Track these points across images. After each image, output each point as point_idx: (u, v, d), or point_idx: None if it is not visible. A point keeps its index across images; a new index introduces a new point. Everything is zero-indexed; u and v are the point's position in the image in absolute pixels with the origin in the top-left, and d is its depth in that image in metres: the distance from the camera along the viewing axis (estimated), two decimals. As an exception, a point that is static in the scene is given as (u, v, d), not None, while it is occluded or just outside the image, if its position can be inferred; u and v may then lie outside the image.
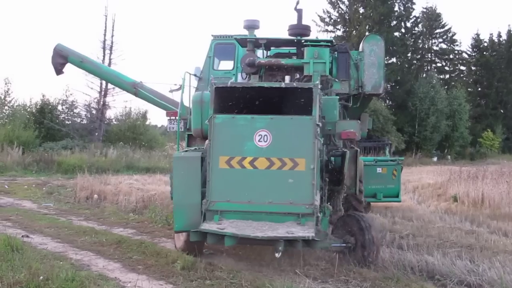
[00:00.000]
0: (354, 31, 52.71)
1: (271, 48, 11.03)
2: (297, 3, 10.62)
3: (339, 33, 54.72)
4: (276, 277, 7.70)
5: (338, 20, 54.74)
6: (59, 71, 10.83)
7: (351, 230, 8.44)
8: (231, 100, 7.86)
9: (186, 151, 9.20)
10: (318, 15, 55.04)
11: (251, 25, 10.69)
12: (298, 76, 10.19)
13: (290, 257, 8.83)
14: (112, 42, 35.06)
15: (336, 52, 10.64)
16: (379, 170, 14.46)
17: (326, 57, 9.87)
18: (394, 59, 57.04)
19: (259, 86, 7.81)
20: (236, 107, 7.92)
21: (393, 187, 14.47)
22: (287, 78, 9.92)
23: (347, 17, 53.89)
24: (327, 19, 54.87)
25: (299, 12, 10.56)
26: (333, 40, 10.78)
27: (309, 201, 7.12)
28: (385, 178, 14.42)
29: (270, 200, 7.23)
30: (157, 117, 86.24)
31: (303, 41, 10.26)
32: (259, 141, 7.30)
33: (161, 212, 12.69)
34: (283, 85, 7.78)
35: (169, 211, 12.49)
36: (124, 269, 8.00)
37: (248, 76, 10.56)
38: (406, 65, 58.79)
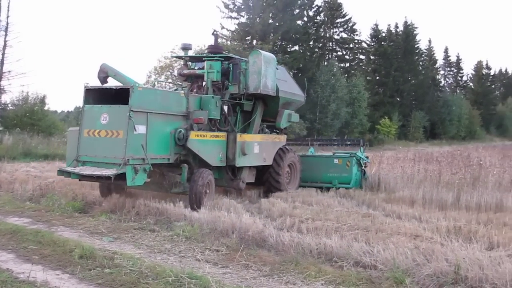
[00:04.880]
0: (258, 18, 52.96)
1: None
2: (214, 30, 15.21)
3: (242, 20, 54.74)
4: (176, 263, 7.70)
5: (242, 7, 54.58)
6: (103, 82, 13.17)
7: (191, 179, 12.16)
8: (97, 95, 11.74)
9: None
10: (223, 1, 54.63)
11: (185, 47, 15.61)
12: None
13: (192, 242, 8.87)
14: (7, 23, 33.46)
15: (231, 64, 14.40)
16: (336, 161, 16.94)
17: (217, 68, 14.12)
18: (296, 47, 58.00)
19: (105, 87, 12.00)
20: (104, 100, 11.59)
21: (346, 176, 16.62)
22: (204, 83, 14.25)
23: (251, 4, 53.82)
24: (231, 6, 54.71)
25: (215, 36, 15.25)
26: (230, 56, 15.00)
27: (122, 156, 10.64)
28: (340, 168, 16.74)
29: (105, 155, 11.05)
30: (57, 103, 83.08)
31: (204, 57, 14.78)
32: (102, 120, 11.19)
33: (59, 200, 12.30)
34: (113, 87, 11.81)
35: (68, 198, 12.64)
36: (18, 260, 7.70)
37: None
38: (308, 53, 59.87)
